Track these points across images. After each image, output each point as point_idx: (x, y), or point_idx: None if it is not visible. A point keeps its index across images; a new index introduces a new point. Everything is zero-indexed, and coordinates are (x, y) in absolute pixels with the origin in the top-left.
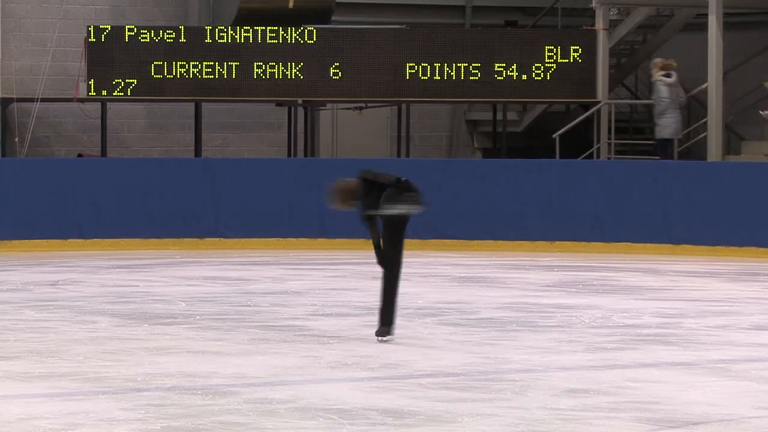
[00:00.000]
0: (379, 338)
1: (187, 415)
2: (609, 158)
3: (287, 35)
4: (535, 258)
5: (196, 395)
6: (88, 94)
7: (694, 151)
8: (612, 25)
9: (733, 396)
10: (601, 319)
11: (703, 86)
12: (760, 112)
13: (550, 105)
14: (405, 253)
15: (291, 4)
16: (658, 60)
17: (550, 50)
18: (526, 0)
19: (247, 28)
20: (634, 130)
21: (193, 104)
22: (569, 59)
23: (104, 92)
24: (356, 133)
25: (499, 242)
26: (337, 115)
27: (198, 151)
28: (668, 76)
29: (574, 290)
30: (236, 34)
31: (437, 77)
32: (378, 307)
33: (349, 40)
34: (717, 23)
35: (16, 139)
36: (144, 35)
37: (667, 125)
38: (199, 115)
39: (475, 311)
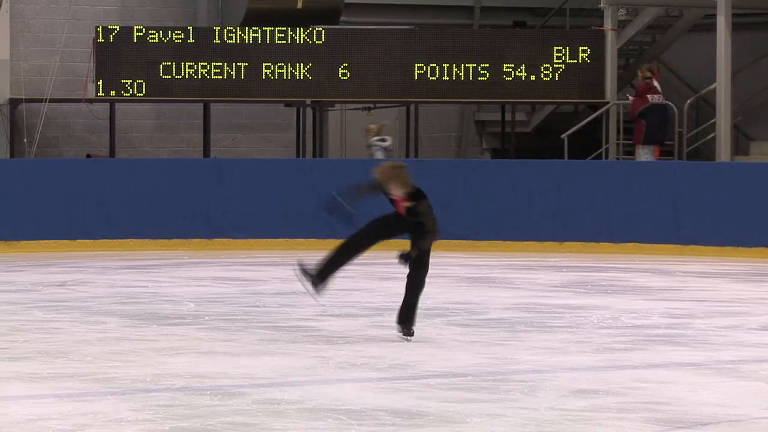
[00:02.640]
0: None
1: (196, 415)
2: (617, 159)
3: (296, 36)
4: (544, 258)
5: (204, 396)
6: (96, 95)
7: (703, 151)
8: (620, 25)
9: (742, 396)
10: (610, 319)
11: (712, 87)
12: (627, 95)
13: (559, 105)
14: None
15: (299, 5)
16: (372, 126)
17: (558, 51)
18: (534, 1)
19: (255, 28)
20: None
21: (201, 105)
22: (578, 60)
23: (113, 93)
24: (365, 133)
25: (508, 243)
26: (346, 115)
27: (206, 152)
28: (383, 141)
29: (583, 291)
30: (245, 35)
31: (446, 78)
32: (400, 307)
33: (357, 40)
34: (725, 24)
35: (25, 140)
36: (152, 36)
37: None
38: (207, 116)
39: (484, 312)
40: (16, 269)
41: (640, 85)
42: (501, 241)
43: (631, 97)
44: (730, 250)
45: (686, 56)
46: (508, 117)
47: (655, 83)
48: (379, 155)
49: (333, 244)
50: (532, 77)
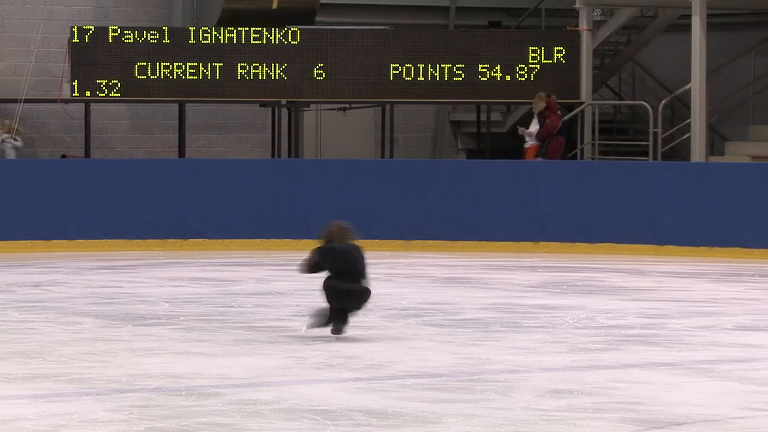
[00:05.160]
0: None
1: (171, 416)
2: (593, 159)
3: (271, 36)
4: (520, 259)
5: (180, 396)
6: (71, 95)
7: (678, 151)
8: (595, 26)
9: (717, 396)
10: (585, 319)
11: (687, 87)
12: (519, 128)
13: None
14: (389, 253)
15: (275, 5)
16: (6, 121)
17: (533, 51)
18: (510, 1)
19: (230, 28)
20: (618, 130)
21: (176, 105)
22: (553, 60)
23: (88, 93)
24: (340, 133)
25: (483, 243)
26: (321, 115)
27: (182, 152)
28: (15, 140)
29: (558, 291)
30: (220, 35)
31: (421, 78)
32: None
33: (333, 40)
34: (700, 24)
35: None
36: (128, 36)
37: None
38: (182, 116)
39: (459, 312)
40: None
41: (551, 103)
42: (476, 242)
43: (523, 129)
44: (705, 250)
45: (661, 56)
46: (483, 117)
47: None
48: (11, 154)
49: (308, 244)
50: (508, 77)
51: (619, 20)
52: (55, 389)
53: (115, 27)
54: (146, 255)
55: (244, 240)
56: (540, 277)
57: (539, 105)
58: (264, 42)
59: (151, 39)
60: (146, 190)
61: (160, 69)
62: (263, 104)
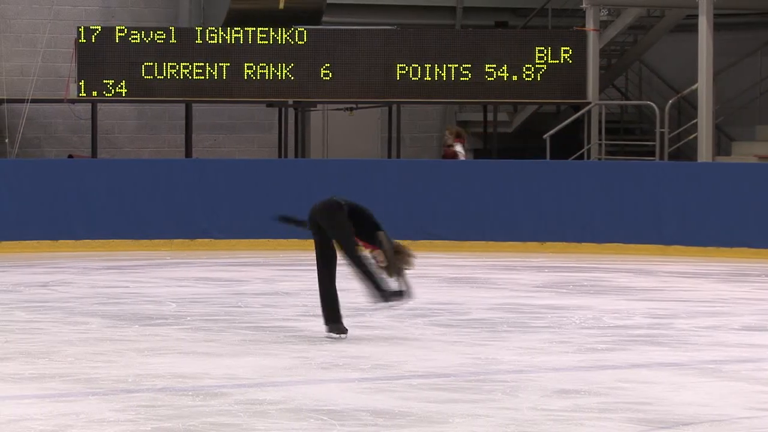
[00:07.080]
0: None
1: (178, 416)
2: (600, 159)
3: (278, 36)
4: (526, 259)
5: (186, 396)
6: (78, 95)
7: (685, 151)
8: (602, 26)
9: (724, 396)
10: (592, 319)
11: (694, 87)
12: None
13: (541, 106)
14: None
15: (281, 5)
16: None
17: (540, 51)
18: (516, 1)
19: (237, 28)
20: (625, 130)
21: (183, 105)
22: (560, 60)
23: (94, 93)
24: (347, 133)
25: (490, 243)
26: (328, 115)
27: (188, 152)
28: None
29: (565, 291)
30: (227, 35)
31: (428, 78)
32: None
33: (339, 40)
34: (707, 24)
35: (6, 140)
36: (134, 36)
37: None
38: (189, 116)
39: (466, 312)
40: None
41: (446, 152)
42: (483, 242)
43: None
44: (712, 251)
45: (668, 57)
46: (490, 117)
47: (459, 147)
48: None
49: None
50: (514, 77)
51: (626, 20)
52: (62, 389)
53: (121, 27)
54: (153, 255)
55: (251, 240)
56: (547, 277)
57: (447, 139)
58: (271, 42)
59: (158, 39)
60: (153, 190)
61: (166, 69)
62: (270, 104)
